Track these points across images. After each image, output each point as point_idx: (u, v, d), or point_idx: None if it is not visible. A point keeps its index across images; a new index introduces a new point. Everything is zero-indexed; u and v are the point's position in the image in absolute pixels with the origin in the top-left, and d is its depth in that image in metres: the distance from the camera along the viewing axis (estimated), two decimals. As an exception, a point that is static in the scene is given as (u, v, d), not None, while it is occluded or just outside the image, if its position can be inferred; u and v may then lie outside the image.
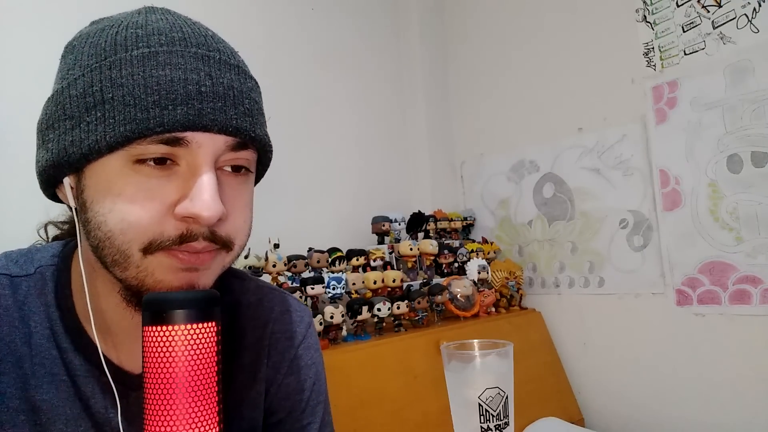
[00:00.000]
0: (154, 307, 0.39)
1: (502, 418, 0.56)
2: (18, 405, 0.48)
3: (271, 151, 0.53)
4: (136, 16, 0.47)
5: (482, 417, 0.55)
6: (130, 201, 0.43)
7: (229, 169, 0.48)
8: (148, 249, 0.44)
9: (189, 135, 0.43)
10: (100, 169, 0.44)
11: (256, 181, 0.57)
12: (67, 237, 0.58)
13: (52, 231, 0.61)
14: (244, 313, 0.61)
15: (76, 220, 0.47)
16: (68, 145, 0.44)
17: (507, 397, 0.56)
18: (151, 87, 0.42)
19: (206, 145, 0.44)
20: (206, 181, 0.44)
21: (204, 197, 0.43)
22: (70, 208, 0.48)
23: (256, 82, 0.52)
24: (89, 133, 0.43)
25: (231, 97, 0.46)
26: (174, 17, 0.48)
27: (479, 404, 0.55)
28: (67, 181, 0.47)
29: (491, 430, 0.55)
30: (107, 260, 0.45)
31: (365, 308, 1.27)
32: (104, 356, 0.49)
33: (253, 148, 0.49)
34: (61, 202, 0.51)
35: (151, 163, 0.43)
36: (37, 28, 1.16)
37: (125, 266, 0.45)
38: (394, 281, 1.41)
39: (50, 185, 0.49)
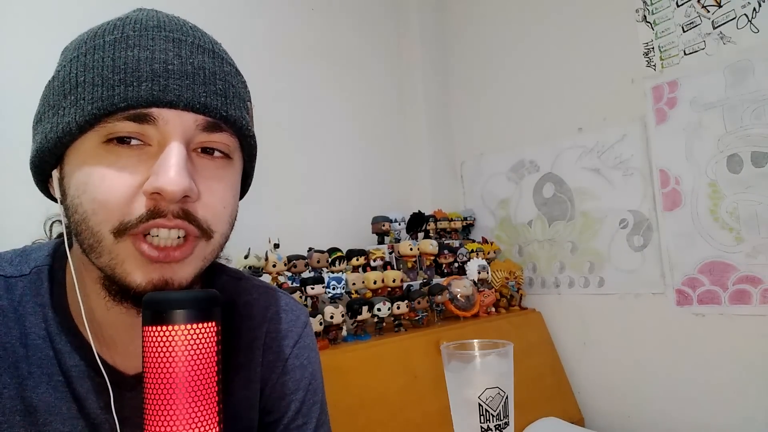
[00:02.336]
0: (154, 307, 0.39)
1: (502, 418, 0.56)
2: (14, 405, 0.48)
3: (253, 137, 0.52)
4: (124, 14, 0.48)
5: (482, 417, 0.55)
6: (100, 180, 0.43)
7: (205, 152, 0.47)
8: (119, 231, 0.43)
9: (155, 111, 0.43)
10: (76, 152, 0.44)
11: (248, 176, 0.56)
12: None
13: (59, 228, 0.60)
14: (240, 313, 0.60)
15: (62, 213, 0.47)
16: (48, 131, 0.45)
17: (507, 397, 0.56)
18: (118, 67, 0.43)
19: (173, 122, 0.43)
20: (174, 155, 0.43)
21: (168, 171, 0.42)
22: (55, 200, 0.48)
23: (238, 71, 0.51)
24: (64, 117, 0.44)
25: (201, 77, 0.45)
26: (158, 13, 0.48)
27: (479, 404, 0.55)
28: (55, 174, 0.47)
29: (491, 430, 0.55)
30: (84, 246, 0.45)
31: (365, 308, 1.27)
32: (99, 357, 0.49)
33: (228, 132, 0.48)
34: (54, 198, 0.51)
35: (116, 142, 0.43)
36: (38, 29, 1.16)
37: (99, 252, 0.44)
38: (394, 281, 1.41)
39: (41, 179, 0.49)
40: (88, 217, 0.43)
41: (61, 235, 0.59)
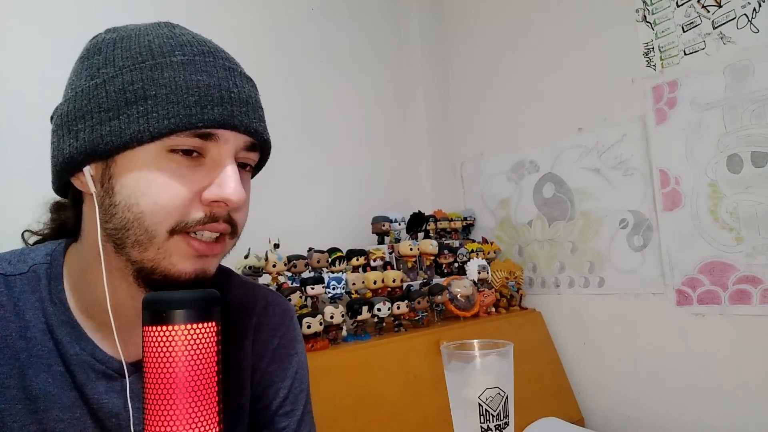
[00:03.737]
0: (154, 307, 0.40)
1: (502, 418, 0.56)
2: (15, 394, 0.51)
3: (270, 153, 0.59)
4: (158, 28, 0.53)
5: (482, 417, 0.55)
6: (163, 186, 0.48)
7: (239, 165, 0.54)
8: (174, 230, 0.49)
9: (220, 132, 0.50)
10: (133, 157, 0.49)
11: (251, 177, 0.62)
12: (49, 239, 0.61)
13: (33, 238, 0.64)
14: (230, 306, 0.64)
15: (95, 205, 0.51)
16: (105, 134, 0.49)
17: (507, 397, 0.56)
18: (191, 89, 0.49)
19: (231, 142, 0.51)
20: (232, 171, 0.51)
21: (231, 184, 0.50)
22: (76, 199, 0.54)
23: (257, 89, 0.58)
24: (130, 124, 0.48)
25: (251, 105, 0.53)
26: (190, 33, 0.55)
27: (479, 404, 0.55)
28: (88, 170, 0.51)
29: (491, 430, 0.55)
30: (129, 241, 0.49)
31: (365, 308, 1.27)
32: (98, 346, 0.54)
33: (258, 150, 0.56)
34: (65, 194, 0.56)
35: (181, 153, 0.49)
36: (36, 35, 1.16)
37: (146, 247, 0.49)
38: (394, 281, 1.41)
39: (69, 173, 0.52)
40: (145, 217, 0.48)
41: (55, 237, 0.62)
